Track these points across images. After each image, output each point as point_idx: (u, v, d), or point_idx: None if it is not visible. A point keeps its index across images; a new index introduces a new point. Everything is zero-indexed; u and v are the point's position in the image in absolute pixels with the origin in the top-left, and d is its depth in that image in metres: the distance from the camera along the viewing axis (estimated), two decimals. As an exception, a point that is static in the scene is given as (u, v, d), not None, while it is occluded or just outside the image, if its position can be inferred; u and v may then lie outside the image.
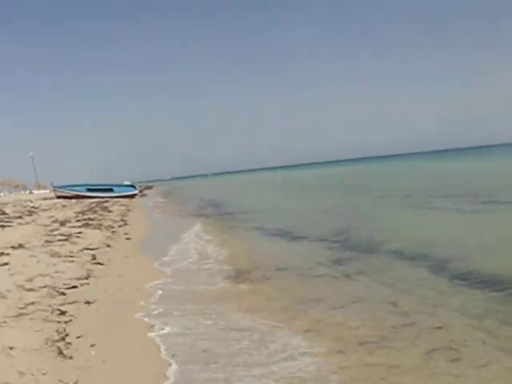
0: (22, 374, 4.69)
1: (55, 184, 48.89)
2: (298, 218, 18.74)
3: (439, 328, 5.75)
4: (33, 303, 7.13)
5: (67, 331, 5.96)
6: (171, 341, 5.76)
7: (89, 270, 9.81)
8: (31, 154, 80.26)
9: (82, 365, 4.94)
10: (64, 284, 8.41)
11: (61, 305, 7.12)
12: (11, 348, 5.33)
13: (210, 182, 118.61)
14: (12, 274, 9.05)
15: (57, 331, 5.95)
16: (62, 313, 6.73)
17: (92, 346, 5.50)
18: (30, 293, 7.74)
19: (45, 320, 6.40)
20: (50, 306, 7.04)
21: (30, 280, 8.58)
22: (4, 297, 7.45)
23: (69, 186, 47.61)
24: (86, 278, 9.05)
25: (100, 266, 10.31)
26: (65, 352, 5.26)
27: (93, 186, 47.28)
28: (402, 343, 5.37)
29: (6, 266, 9.71)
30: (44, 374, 4.70)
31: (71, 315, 6.67)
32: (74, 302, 7.32)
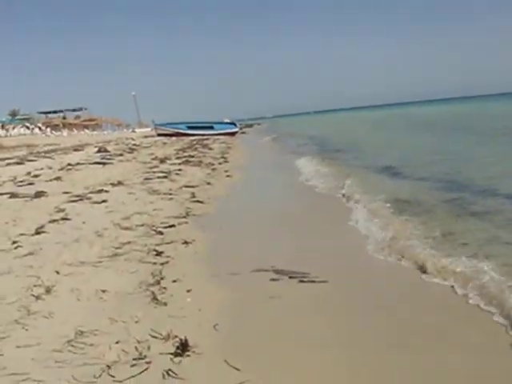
0: (112, 320, 4.33)
1: (156, 122, 49.63)
2: (406, 156, 17.54)
3: None
4: (129, 243, 6.84)
5: (163, 274, 5.55)
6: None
7: (188, 208, 9.40)
8: (133, 93, 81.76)
9: (177, 313, 4.47)
10: (162, 223, 8.05)
11: (157, 245, 6.74)
12: (104, 291, 5.02)
13: (313, 119, 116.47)
14: (110, 212, 8.88)
15: (152, 274, 5.55)
16: (159, 254, 6.33)
17: (188, 291, 5.05)
18: (127, 231, 7.48)
19: (140, 261, 6.05)
20: (146, 245, 6.70)
21: (128, 218, 8.33)
22: (101, 235, 7.24)
23: (170, 123, 48.20)
24: (185, 217, 8.65)
25: (199, 204, 9.90)
26: (159, 297, 4.83)
27: (193, 123, 47.55)
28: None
29: (105, 204, 9.57)
30: (136, 322, 4.30)
31: (168, 256, 6.26)
32: (171, 242, 6.91)
